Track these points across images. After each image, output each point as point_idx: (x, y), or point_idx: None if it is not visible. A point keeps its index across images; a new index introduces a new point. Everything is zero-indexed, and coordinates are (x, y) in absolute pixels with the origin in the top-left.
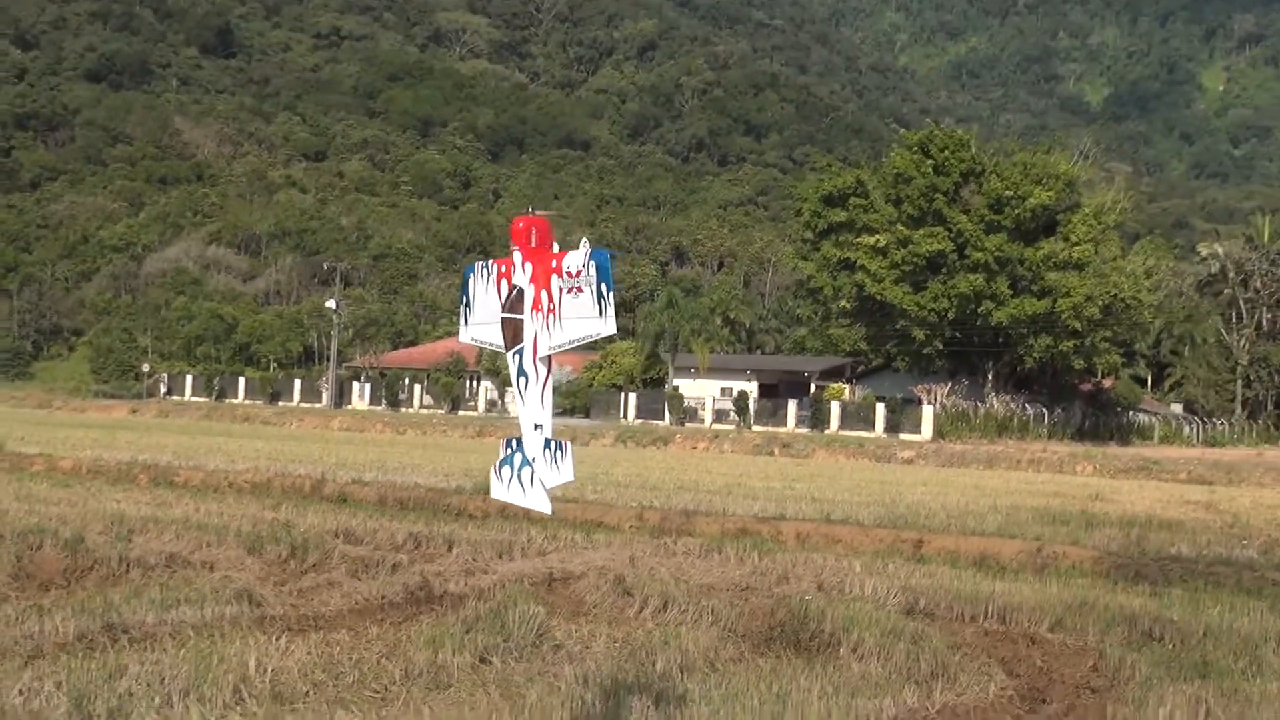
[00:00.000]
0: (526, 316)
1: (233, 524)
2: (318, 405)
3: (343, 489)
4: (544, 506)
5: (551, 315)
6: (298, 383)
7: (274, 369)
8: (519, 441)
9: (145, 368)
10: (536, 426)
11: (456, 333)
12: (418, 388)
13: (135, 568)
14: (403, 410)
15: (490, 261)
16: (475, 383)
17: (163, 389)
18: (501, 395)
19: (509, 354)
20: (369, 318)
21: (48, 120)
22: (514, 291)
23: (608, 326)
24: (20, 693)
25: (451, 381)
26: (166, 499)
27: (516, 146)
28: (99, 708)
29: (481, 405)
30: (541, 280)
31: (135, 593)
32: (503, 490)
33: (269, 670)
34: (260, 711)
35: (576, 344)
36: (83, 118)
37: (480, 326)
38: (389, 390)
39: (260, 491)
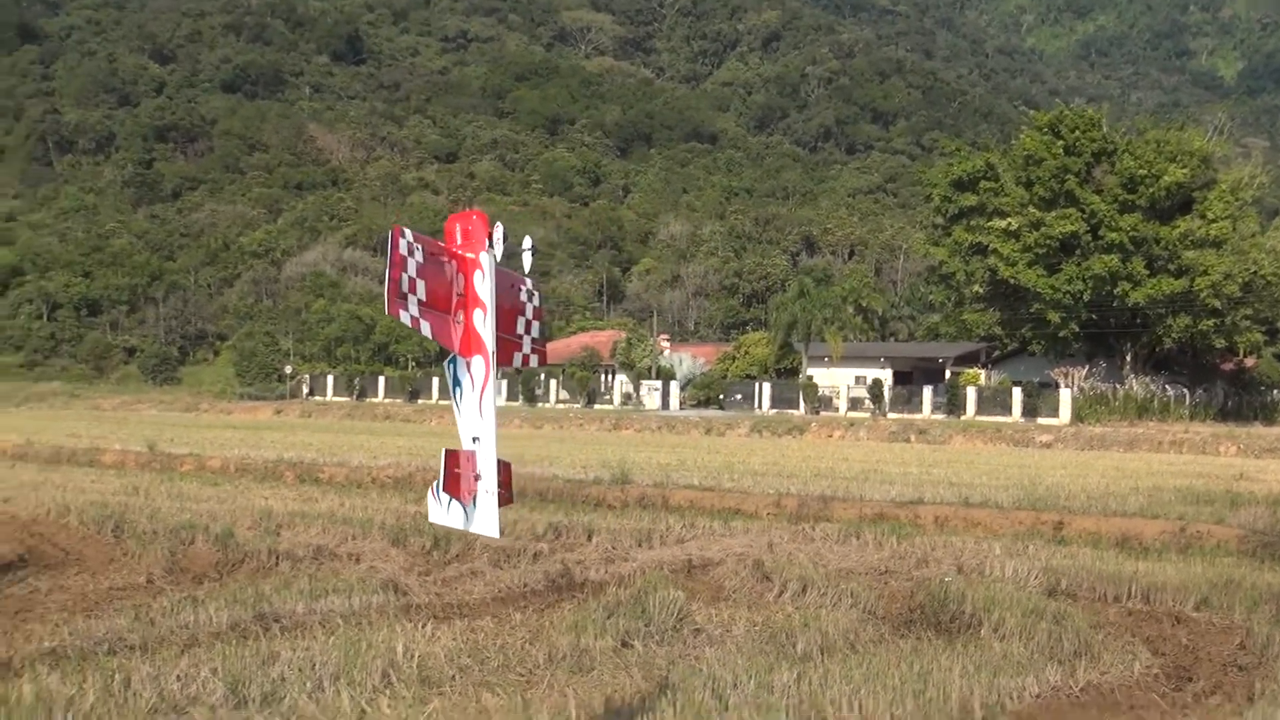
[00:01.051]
0: (452, 319)
1: (377, 517)
2: None
3: None
4: (489, 530)
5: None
6: (436, 380)
7: (412, 368)
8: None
9: (288, 369)
10: (475, 440)
11: (590, 328)
12: (553, 382)
13: (284, 560)
14: (539, 405)
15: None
16: (610, 376)
17: (305, 390)
18: (636, 388)
19: (445, 364)
20: None
21: (187, 131)
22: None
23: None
24: (178, 679)
25: (586, 376)
26: (312, 495)
27: (644, 142)
28: (253, 692)
29: (617, 398)
30: (467, 280)
31: (285, 584)
32: (442, 513)
33: (416, 656)
34: (409, 695)
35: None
36: (220, 128)
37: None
38: (525, 386)
39: (402, 486)
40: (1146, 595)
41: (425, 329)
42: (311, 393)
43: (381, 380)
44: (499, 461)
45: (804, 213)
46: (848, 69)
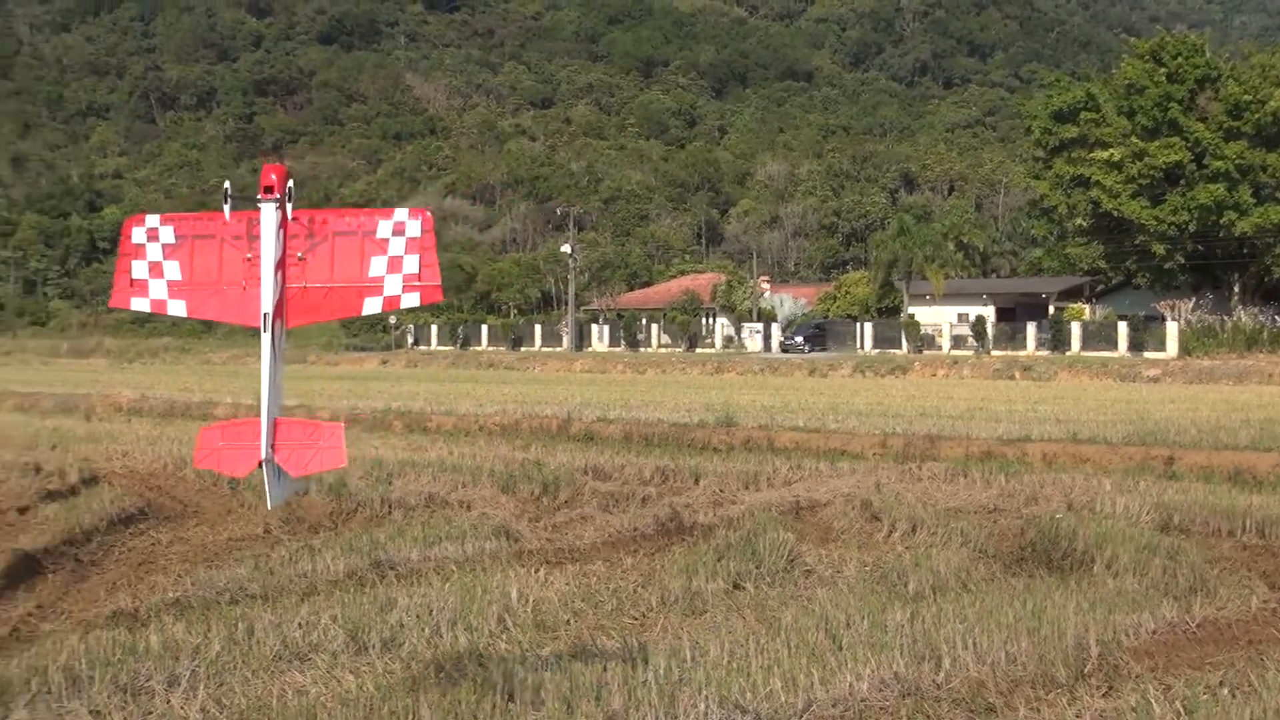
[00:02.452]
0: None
1: (485, 465)
2: (559, 349)
3: (588, 428)
4: (273, 498)
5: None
6: (538, 328)
7: (515, 315)
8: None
9: (392, 320)
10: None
11: (690, 271)
12: (655, 327)
13: (397, 508)
14: (641, 350)
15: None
16: (711, 320)
17: (410, 340)
18: (738, 331)
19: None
20: (603, 260)
21: (285, 84)
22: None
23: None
24: (299, 626)
25: (687, 320)
26: (421, 444)
27: (739, 81)
28: (373, 638)
29: (719, 342)
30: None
31: (399, 531)
32: (274, 487)
33: (530, 600)
34: (524, 639)
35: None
36: (318, 79)
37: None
38: (627, 330)
39: (509, 433)
40: (1261, 529)
41: (179, 309)
42: (416, 342)
43: (485, 329)
44: (291, 422)
45: (902, 149)
46: (943, 1)
